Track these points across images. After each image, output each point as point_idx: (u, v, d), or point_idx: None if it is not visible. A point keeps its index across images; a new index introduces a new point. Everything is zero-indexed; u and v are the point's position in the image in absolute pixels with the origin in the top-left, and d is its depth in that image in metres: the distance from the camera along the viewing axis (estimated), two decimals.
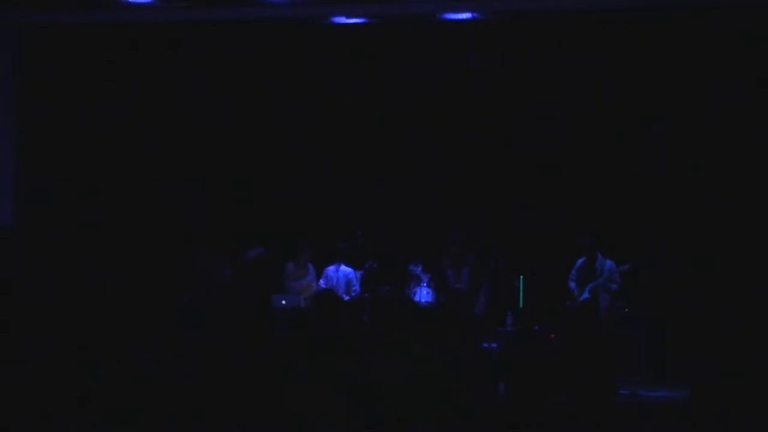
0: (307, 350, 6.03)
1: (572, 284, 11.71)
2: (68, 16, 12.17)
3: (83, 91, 12.60)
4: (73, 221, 12.44)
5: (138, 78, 12.77)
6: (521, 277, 12.06)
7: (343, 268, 12.48)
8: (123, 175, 12.80)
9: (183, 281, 11.62)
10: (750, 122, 11.85)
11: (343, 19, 12.13)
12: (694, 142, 12.32)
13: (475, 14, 11.94)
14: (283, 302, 11.98)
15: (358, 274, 12.49)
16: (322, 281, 12.52)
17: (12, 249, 11.89)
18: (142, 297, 11.81)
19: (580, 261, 11.69)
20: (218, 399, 7.77)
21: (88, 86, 12.62)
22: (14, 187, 12.37)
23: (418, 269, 12.21)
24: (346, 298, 12.12)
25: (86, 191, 12.58)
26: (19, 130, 12.44)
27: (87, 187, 12.60)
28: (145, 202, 12.85)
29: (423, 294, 11.98)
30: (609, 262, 11.56)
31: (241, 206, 13.06)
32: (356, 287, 12.43)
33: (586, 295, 11.50)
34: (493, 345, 10.91)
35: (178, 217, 12.87)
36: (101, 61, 12.57)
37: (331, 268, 12.51)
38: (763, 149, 11.83)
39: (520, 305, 11.91)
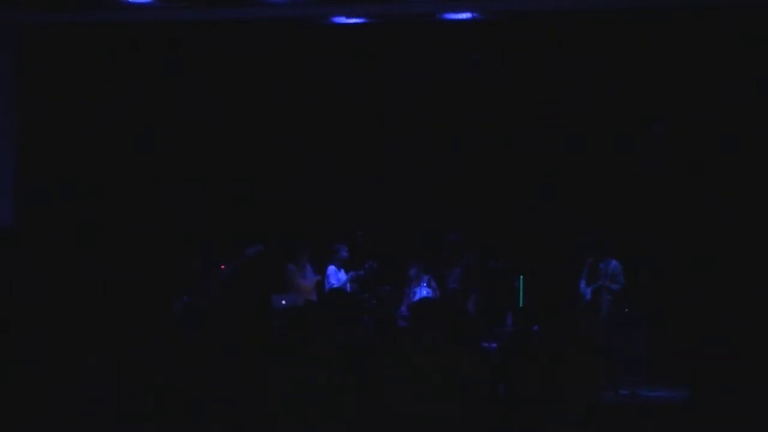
0: (309, 349, 6.03)
1: (582, 284, 11.72)
2: (68, 16, 12.15)
3: (83, 91, 12.59)
4: (73, 221, 12.43)
5: (138, 78, 12.76)
6: (521, 277, 12.06)
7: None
8: (123, 175, 12.80)
9: (183, 281, 11.61)
10: (750, 122, 11.84)
11: (343, 19, 12.12)
12: (694, 142, 12.31)
13: (475, 14, 11.93)
14: (283, 302, 11.96)
15: (354, 274, 12.49)
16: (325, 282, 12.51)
17: (12, 249, 11.89)
18: (142, 297, 11.81)
19: (589, 261, 11.71)
20: (218, 398, 7.77)
21: (88, 86, 12.60)
22: (14, 187, 12.36)
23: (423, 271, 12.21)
24: None
25: (86, 191, 12.57)
26: (19, 130, 12.43)
27: (87, 187, 12.59)
28: (145, 202, 12.84)
29: (423, 294, 11.98)
30: (614, 262, 11.57)
31: (241, 206, 13.05)
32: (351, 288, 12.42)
33: (588, 296, 11.53)
34: (493, 345, 10.90)
35: (178, 217, 12.87)
36: (101, 61, 12.56)
37: (331, 268, 12.49)
38: (763, 149, 11.82)
39: (520, 305, 11.90)
